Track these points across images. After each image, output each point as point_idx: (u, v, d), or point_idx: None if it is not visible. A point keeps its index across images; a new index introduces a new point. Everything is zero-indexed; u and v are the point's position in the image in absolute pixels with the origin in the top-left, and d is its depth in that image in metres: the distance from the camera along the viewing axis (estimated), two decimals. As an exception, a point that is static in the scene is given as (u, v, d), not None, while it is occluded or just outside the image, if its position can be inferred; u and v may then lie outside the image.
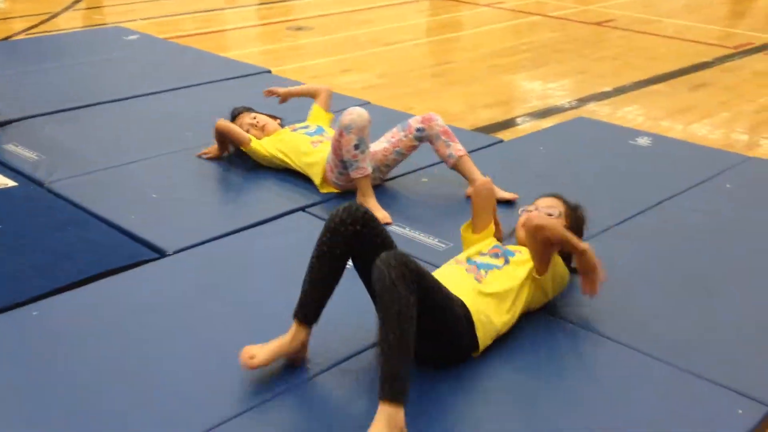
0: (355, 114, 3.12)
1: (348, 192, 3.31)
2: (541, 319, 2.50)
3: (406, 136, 3.32)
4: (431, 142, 3.31)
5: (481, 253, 2.50)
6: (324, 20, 7.32)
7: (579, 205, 2.66)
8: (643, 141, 4.02)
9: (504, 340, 2.37)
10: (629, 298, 2.62)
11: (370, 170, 3.18)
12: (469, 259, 2.47)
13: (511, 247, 2.54)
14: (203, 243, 2.98)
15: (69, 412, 2.10)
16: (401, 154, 3.37)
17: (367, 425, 1.91)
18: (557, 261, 2.46)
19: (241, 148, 3.64)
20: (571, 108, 4.87)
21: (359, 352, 2.32)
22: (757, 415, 2.09)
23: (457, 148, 3.28)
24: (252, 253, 2.93)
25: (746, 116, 4.76)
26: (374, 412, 1.93)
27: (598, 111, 4.81)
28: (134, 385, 2.20)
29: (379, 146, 3.38)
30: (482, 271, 2.39)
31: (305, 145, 3.47)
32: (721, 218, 3.18)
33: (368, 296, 2.32)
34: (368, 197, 3.19)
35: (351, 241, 2.23)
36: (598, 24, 7.15)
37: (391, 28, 7.04)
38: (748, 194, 3.41)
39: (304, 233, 2.72)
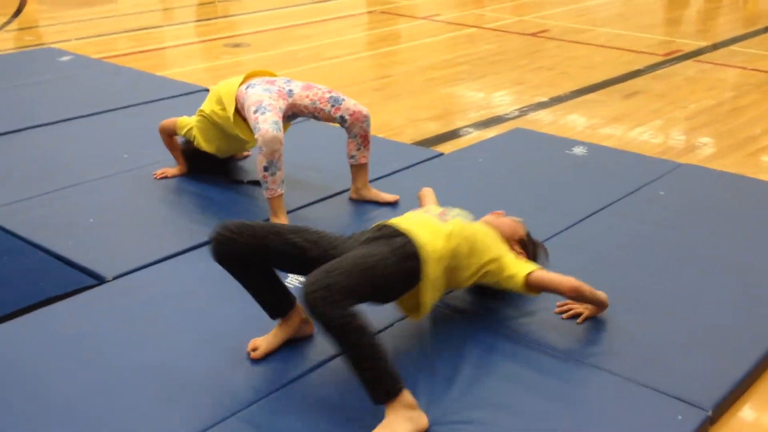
0: (268, 137, 3.07)
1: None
2: (480, 328, 2.53)
3: (329, 112, 3.32)
4: (347, 132, 3.37)
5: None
6: (262, 36, 7.30)
7: (537, 242, 2.76)
8: (579, 150, 4.09)
9: (448, 348, 2.40)
10: (569, 308, 2.66)
11: (281, 191, 3.17)
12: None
13: None
14: (143, 267, 2.94)
15: (7, 448, 2.05)
16: (314, 117, 3.38)
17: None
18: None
19: (179, 134, 3.63)
20: (510, 119, 4.93)
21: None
22: (696, 420, 2.14)
23: (363, 155, 3.41)
24: (194, 276, 2.90)
25: (679, 122, 4.87)
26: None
27: (536, 122, 4.88)
28: (74, 415, 2.16)
29: (301, 98, 3.32)
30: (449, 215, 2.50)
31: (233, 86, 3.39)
32: (655, 226, 3.24)
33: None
34: (280, 216, 3.20)
35: (233, 252, 2.31)
36: (533, 35, 7.26)
37: (330, 43, 7.05)
38: (680, 201, 3.48)
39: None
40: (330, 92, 3.34)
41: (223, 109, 3.34)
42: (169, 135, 3.68)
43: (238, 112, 3.32)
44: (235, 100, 3.30)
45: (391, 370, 2.08)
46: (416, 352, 2.42)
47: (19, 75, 5.51)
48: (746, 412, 2.30)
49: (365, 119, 3.34)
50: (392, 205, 3.43)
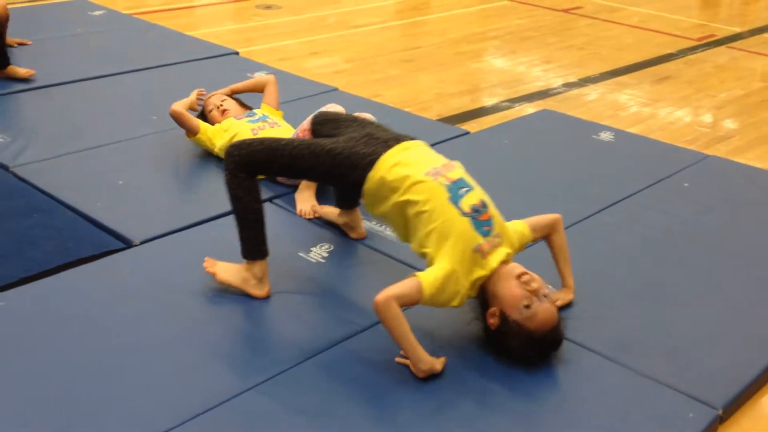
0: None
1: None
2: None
3: None
4: None
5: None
6: (293, -1, 7.28)
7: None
8: (605, 136, 4.08)
9: (456, 339, 2.43)
10: (582, 298, 2.66)
11: None
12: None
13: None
14: (171, 233, 2.98)
15: (35, 405, 2.11)
16: None
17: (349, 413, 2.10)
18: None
19: (188, 137, 3.60)
20: (538, 99, 4.92)
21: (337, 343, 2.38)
22: (707, 419, 2.17)
23: None
24: (221, 243, 2.92)
25: (707, 111, 4.85)
26: (352, 403, 2.16)
27: (564, 102, 4.86)
28: (100, 377, 2.22)
29: None
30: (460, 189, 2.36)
31: (245, 133, 3.39)
32: (676, 218, 3.25)
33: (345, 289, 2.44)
34: (305, 189, 3.17)
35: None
36: (566, 11, 7.20)
37: (359, 10, 7.02)
38: (704, 193, 3.48)
39: (272, 223, 2.73)
40: None
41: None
42: (179, 120, 3.60)
43: None
44: None
45: (257, 240, 2.48)
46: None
47: (51, 27, 5.52)
48: (757, 411, 2.33)
49: None
50: None
